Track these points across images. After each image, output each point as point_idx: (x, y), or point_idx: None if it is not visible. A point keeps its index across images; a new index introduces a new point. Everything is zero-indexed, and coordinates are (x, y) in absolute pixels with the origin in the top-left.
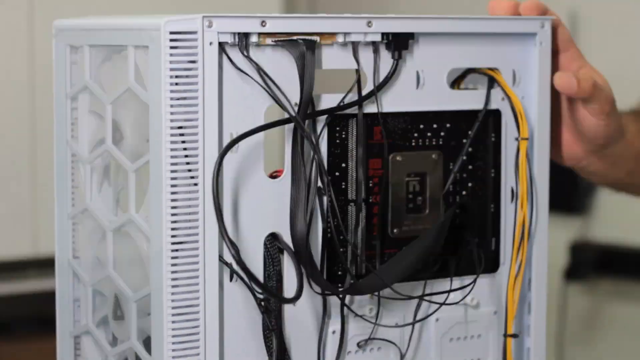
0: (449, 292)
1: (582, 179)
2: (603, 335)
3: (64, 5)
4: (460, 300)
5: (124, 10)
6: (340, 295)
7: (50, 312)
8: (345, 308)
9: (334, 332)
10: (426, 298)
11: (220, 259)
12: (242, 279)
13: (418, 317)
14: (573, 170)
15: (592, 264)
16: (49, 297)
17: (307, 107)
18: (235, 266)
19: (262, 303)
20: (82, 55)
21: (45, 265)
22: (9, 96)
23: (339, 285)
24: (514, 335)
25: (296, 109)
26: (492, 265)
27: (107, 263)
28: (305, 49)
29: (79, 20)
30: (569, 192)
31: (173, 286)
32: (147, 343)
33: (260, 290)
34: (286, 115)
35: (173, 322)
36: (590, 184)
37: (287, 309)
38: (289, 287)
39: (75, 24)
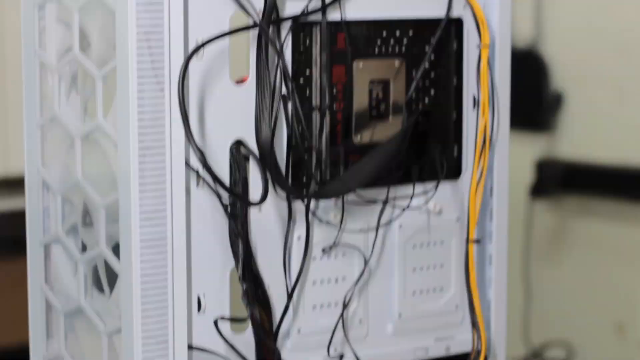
0: (411, 197)
1: (549, 97)
2: (568, 250)
3: None
4: (424, 204)
5: None
6: (305, 200)
7: (22, 232)
8: (310, 214)
9: (299, 237)
10: (389, 203)
11: (187, 164)
12: (208, 184)
13: (381, 223)
14: (539, 89)
15: (557, 180)
16: (21, 217)
17: (271, 13)
18: (201, 172)
19: (229, 208)
20: None
21: (16, 184)
22: None
23: (304, 190)
24: (477, 241)
25: (260, 15)
26: (454, 171)
27: (76, 171)
28: None
29: None
30: (535, 110)
31: (140, 191)
32: (115, 249)
33: (226, 195)
34: (251, 22)
35: (141, 227)
36: (556, 101)
37: (253, 215)
38: (255, 193)
39: None
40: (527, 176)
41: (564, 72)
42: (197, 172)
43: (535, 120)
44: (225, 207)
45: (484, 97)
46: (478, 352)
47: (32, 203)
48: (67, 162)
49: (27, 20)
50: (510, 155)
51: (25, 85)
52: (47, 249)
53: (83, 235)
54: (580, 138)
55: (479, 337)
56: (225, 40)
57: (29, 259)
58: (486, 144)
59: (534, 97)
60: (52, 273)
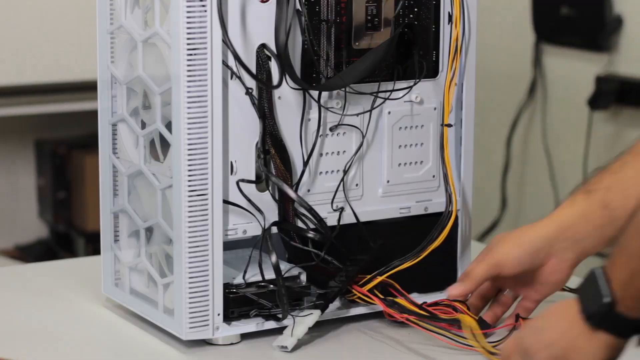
0: (392, 90)
1: (610, 16)
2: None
3: None
4: (404, 95)
5: None
6: (312, 90)
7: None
8: (320, 100)
9: (309, 119)
10: (381, 94)
11: (224, 62)
12: (239, 78)
13: (374, 110)
14: (601, 12)
15: (614, 94)
16: None
17: None
18: (234, 68)
19: (252, 92)
20: None
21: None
22: None
23: (313, 84)
24: (449, 125)
25: None
26: (433, 71)
27: (138, 67)
28: None
29: None
30: (597, 32)
31: (188, 81)
32: (167, 126)
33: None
34: None
35: (188, 107)
36: (616, 24)
37: (277, 103)
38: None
39: None
40: (588, 90)
41: None
42: (231, 69)
43: (597, 41)
44: (248, 91)
45: (456, 13)
46: (450, 212)
47: (102, 92)
48: (130, 60)
49: None
50: (573, 71)
51: (98, 1)
52: (114, 127)
53: (143, 116)
54: (637, 57)
55: (451, 201)
56: None
57: (100, 135)
58: (457, 50)
59: (596, 20)
60: (118, 146)
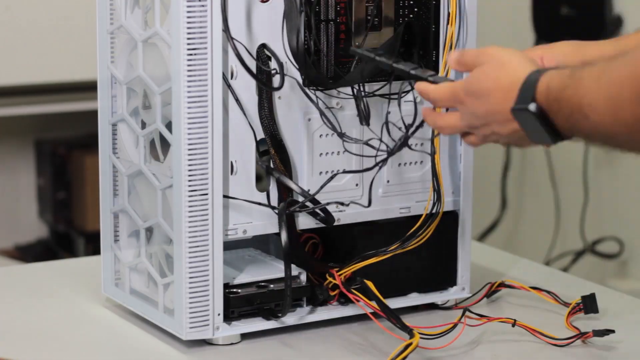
0: (392, 92)
1: (609, 16)
2: (623, 154)
3: None
4: (404, 95)
5: None
6: (314, 90)
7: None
8: (319, 101)
9: (309, 119)
10: (381, 95)
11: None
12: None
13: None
14: (601, 12)
15: None
16: None
17: None
18: (235, 69)
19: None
20: None
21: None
22: None
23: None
24: None
25: None
26: (433, 70)
27: (138, 67)
28: None
29: None
30: (597, 31)
31: (188, 81)
32: (168, 126)
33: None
34: None
35: (189, 107)
36: (616, 23)
37: (277, 103)
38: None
39: None
40: None
41: None
42: (231, 69)
43: (597, 39)
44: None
45: (452, 12)
46: (437, 212)
47: (102, 92)
48: (130, 60)
49: None
50: None
51: (98, 1)
52: (114, 127)
53: (143, 116)
54: None
55: (440, 200)
56: None
57: (100, 135)
58: (452, 48)
59: (596, 20)
60: (118, 146)
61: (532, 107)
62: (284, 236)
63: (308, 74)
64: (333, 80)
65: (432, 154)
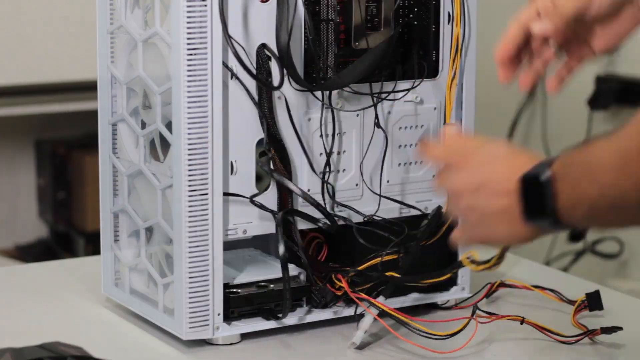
0: (392, 92)
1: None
2: None
3: None
4: (404, 95)
5: None
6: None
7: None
8: (324, 100)
9: (309, 119)
10: (382, 94)
11: (223, 63)
12: (238, 79)
13: (375, 111)
14: None
15: (614, 94)
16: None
17: None
18: (235, 68)
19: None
20: None
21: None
22: None
23: (314, 84)
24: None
25: None
26: (433, 71)
27: (138, 67)
28: None
29: None
30: None
31: (188, 81)
32: (167, 126)
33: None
34: None
35: (189, 107)
36: None
37: (277, 103)
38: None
39: None
40: (588, 90)
41: None
42: (231, 70)
43: None
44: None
45: (457, 12)
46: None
47: (102, 92)
48: (130, 60)
49: None
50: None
51: (98, 1)
52: (114, 127)
53: (143, 116)
54: (637, 57)
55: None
56: None
57: (100, 135)
58: (458, 50)
59: None
60: (118, 145)
61: (546, 174)
62: (282, 249)
63: (292, 74)
64: (322, 82)
65: None
